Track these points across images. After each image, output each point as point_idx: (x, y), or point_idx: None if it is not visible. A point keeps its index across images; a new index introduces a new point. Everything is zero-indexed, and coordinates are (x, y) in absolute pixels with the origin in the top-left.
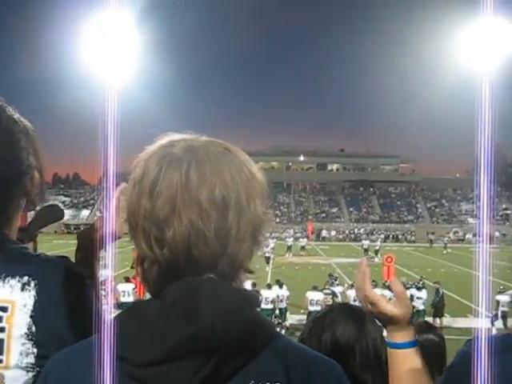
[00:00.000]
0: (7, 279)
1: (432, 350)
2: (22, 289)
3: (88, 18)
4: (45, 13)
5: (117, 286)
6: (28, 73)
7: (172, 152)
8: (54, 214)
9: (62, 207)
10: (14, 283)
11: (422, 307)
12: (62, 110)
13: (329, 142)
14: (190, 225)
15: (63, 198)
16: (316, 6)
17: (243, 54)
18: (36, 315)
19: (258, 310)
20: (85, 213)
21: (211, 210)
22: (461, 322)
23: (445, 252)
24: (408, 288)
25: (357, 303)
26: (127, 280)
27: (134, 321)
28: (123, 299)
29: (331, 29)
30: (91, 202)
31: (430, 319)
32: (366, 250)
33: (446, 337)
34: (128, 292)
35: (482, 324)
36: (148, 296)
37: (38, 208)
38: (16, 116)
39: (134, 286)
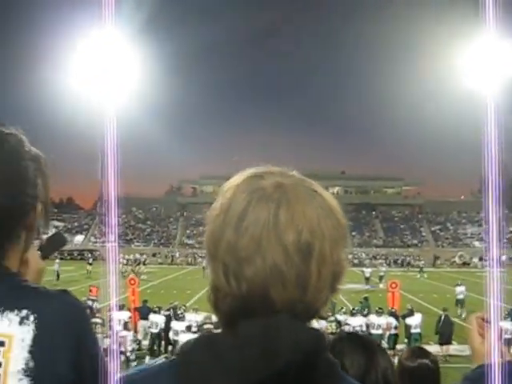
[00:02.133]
0: (5, 313)
1: (427, 376)
2: (21, 323)
3: (84, 39)
4: (39, 33)
5: (112, 313)
6: (22, 95)
7: (261, 187)
8: (60, 241)
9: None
10: (13, 317)
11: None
12: (56, 133)
13: (329, 163)
14: (272, 266)
15: (56, 223)
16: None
17: (241, 77)
18: (34, 350)
19: None
20: (79, 238)
21: (295, 254)
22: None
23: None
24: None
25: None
26: (122, 308)
27: (206, 353)
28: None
29: (327, 46)
30: (85, 226)
31: (437, 346)
32: (367, 279)
33: (452, 365)
34: (124, 321)
35: (493, 351)
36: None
37: (44, 236)
38: (27, 143)
39: (129, 315)
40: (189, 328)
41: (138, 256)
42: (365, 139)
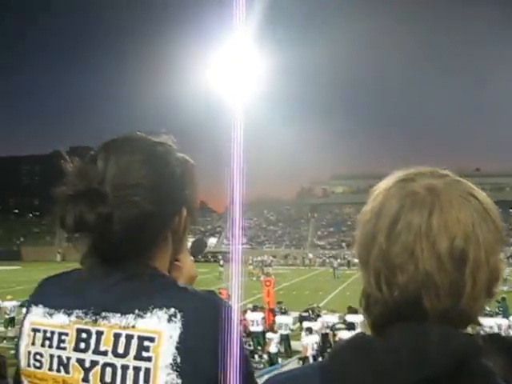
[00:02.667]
0: (155, 310)
1: None
2: (169, 320)
3: (214, 42)
4: (169, 37)
5: (246, 315)
6: (153, 98)
7: (413, 191)
8: (201, 246)
9: (189, 235)
10: (161, 314)
11: None
12: (186, 136)
13: (463, 161)
14: (425, 274)
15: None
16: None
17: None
18: (181, 347)
19: None
20: (212, 240)
21: (448, 262)
22: None
23: None
24: None
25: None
26: (256, 309)
27: (359, 355)
28: (252, 328)
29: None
30: (218, 229)
31: None
32: (504, 280)
33: None
34: (257, 321)
35: None
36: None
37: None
38: (175, 150)
39: (262, 316)
40: (309, 330)
41: (265, 258)
42: (499, 136)
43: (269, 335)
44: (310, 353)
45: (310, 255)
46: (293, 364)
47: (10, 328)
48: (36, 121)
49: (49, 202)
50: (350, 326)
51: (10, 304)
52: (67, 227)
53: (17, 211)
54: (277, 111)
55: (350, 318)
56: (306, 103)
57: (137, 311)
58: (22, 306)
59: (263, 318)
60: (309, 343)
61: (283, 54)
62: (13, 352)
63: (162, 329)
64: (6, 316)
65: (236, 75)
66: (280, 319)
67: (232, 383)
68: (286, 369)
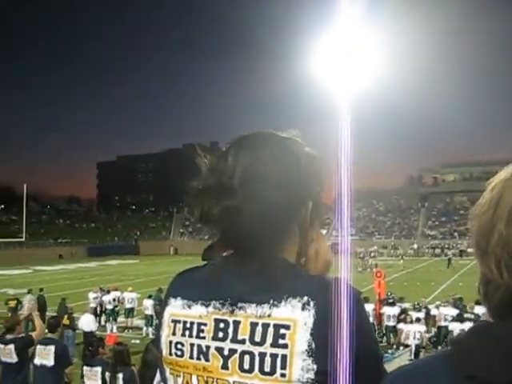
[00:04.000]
0: (289, 299)
1: None
2: (303, 308)
3: (324, 27)
4: (271, 24)
5: None
6: (262, 87)
7: None
8: None
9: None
10: (295, 303)
11: None
12: (293, 127)
13: None
14: None
15: None
16: None
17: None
18: (315, 333)
19: None
20: (322, 232)
21: None
22: None
23: None
24: None
25: None
26: (366, 301)
27: (484, 342)
28: None
29: None
30: (327, 221)
31: None
32: None
33: None
34: (368, 313)
35: None
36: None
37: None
38: (302, 144)
39: (373, 307)
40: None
41: (375, 249)
42: None
43: (400, 326)
44: (411, 341)
45: (421, 245)
46: (405, 355)
47: (129, 318)
48: (150, 120)
49: (163, 198)
50: (463, 318)
51: (130, 295)
52: (196, 219)
53: (134, 207)
54: (387, 100)
55: (477, 309)
56: (420, 91)
57: (272, 301)
58: (149, 297)
59: (373, 310)
60: (411, 331)
61: (398, 36)
62: (134, 341)
63: (296, 317)
64: (128, 306)
65: (345, 62)
66: (387, 310)
67: (364, 367)
68: (397, 359)
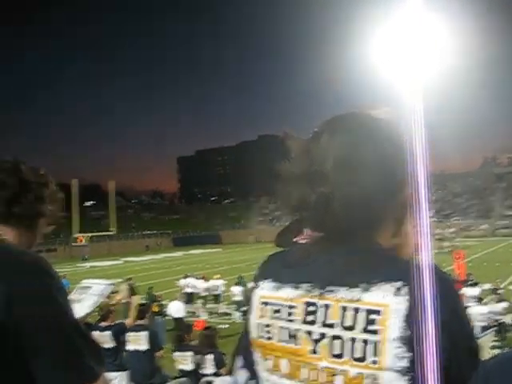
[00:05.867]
0: (380, 284)
1: None
2: (395, 294)
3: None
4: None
5: None
6: (319, 74)
7: None
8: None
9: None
10: (388, 288)
11: None
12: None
13: None
14: None
15: None
16: None
17: None
18: (409, 320)
19: None
20: None
21: None
22: None
23: None
24: None
25: None
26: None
27: None
28: None
29: None
30: None
31: None
32: None
33: None
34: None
35: None
36: None
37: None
38: (396, 125)
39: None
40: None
41: (453, 230)
42: None
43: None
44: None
45: (499, 226)
46: (489, 335)
47: (217, 304)
48: (224, 115)
49: (241, 189)
50: None
51: (217, 282)
52: (289, 207)
53: (213, 198)
54: (461, 81)
55: None
56: (494, 75)
57: (363, 285)
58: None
59: None
60: (471, 314)
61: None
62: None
63: (388, 302)
64: (215, 293)
65: (410, 50)
66: (467, 291)
67: (459, 354)
68: (483, 339)
